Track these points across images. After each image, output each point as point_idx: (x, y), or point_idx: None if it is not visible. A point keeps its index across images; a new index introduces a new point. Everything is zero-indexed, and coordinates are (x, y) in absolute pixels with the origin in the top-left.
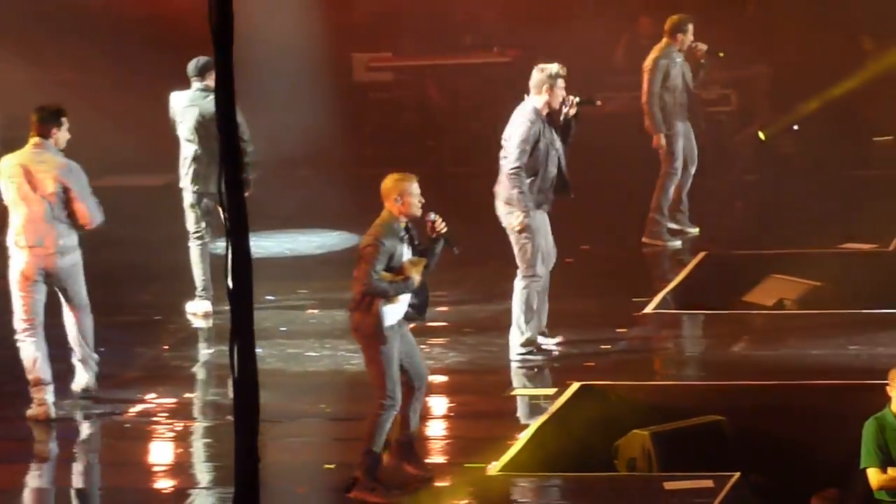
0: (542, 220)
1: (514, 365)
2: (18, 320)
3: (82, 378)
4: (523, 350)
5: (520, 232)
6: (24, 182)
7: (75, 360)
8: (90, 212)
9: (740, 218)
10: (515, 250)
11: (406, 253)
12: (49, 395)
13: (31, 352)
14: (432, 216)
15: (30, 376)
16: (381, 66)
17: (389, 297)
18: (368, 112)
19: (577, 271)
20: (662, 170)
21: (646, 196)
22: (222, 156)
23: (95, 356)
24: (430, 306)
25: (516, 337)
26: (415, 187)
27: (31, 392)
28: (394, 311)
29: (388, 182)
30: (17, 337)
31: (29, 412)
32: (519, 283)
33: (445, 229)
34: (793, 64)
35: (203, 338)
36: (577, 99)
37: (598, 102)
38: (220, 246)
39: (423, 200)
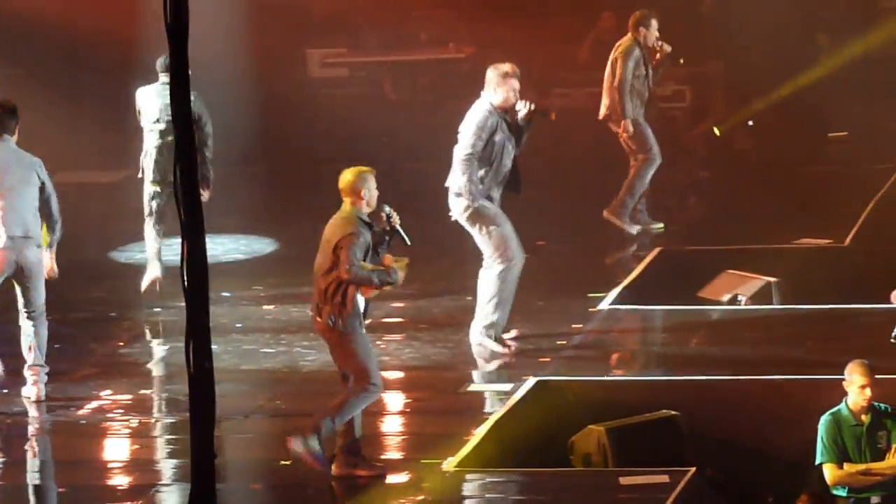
0: (491, 205)
1: (469, 361)
2: None
3: (32, 390)
4: (486, 333)
5: (472, 221)
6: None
7: (26, 370)
8: (56, 213)
9: (695, 214)
10: (480, 242)
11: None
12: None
13: None
14: (387, 209)
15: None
16: (335, 63)
17: (372, 286)
18: (323, 108)
19: (532, 266)
20: (640, 157)
21: (601, 192)
22: (178, 152)
23: (45, 366)
24: (385, 301)
25: (479, 319)
26: (373, 180)
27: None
28: (362, 303)
29: (351, 176)
30: None
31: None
32: (492, 271)
33: (399, 222)
34: (747, 60)
35: (158, 334)
36: (533, 106)
37: (553, 116)
38: (176, 243)
39: (379, 193)
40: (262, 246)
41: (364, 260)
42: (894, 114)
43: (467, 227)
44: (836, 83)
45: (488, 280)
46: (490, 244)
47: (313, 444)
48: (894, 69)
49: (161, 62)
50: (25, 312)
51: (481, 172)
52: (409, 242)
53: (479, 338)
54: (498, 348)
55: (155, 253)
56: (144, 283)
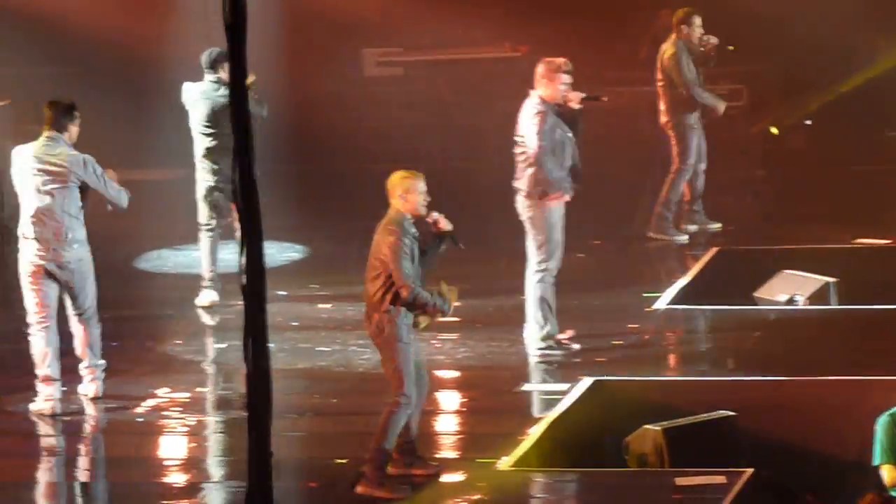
0: (560, 212)
1: (524, 360)
2: (31, 313)
3: (89, 387)
4: (543, 345)
5: (533, 223)
6: (36, 174)
7: (82, 369)
8: (113, 196)
9: (752, 213)
10: (531, 244)
11: (416, 252)
12: (56, 391)
13: (41, 346)
14: (435, 215)
15: (38, 372)
16: (390, 61)
17: (425, 309)
18: (377, 107)
19: (589, 266)
20: (675, 165)
21: (657, 190)
22: (236, 151)
23: (102, 363)
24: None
25: (534, 332)
26: (421, 185)
27: (38, 387)
28: (407, 312)
29: (394, 178)
30: (28, 330)
31: (34, 406)
32: (531, 279)
33: (450, 227)
34: (805, 58)
35: (214, 332)
36: (583, 95)
37: (604, 98)
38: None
39: (430, 199)
40: (320, 244)
41: (412, 264)
42: None
43: (527, 227)
44: (893, 81)
45: (530, 286)
46: (537, 251)
47: (381, 481)
48: None
49: (206, 57)
50: (75, 315)
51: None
52: (462, 246)
53: (538, 351)
54: (558, 353)
55: (211, 278)
56: (200, 303)
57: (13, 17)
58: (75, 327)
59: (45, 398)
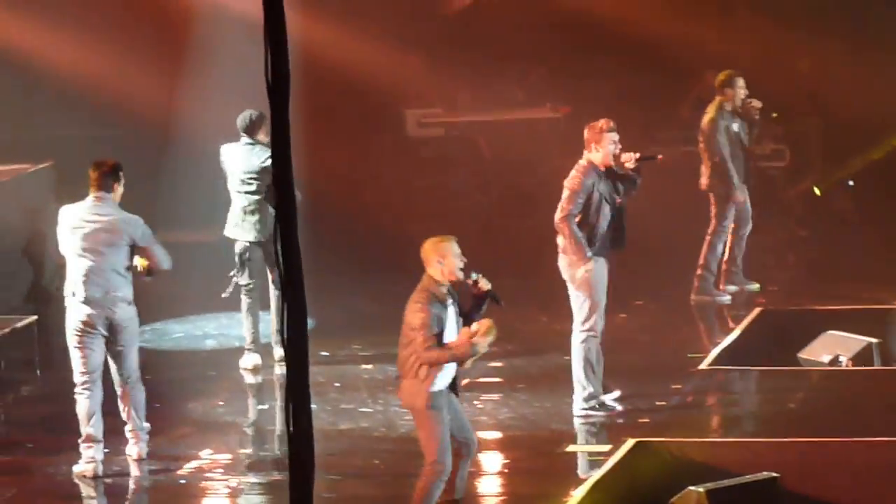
0: (602, 272)
1: (567, 421)
2: (77, 374)
3: (133, 450)
4: (586, 405)
5: (577, 283)
6: (86, 233)
7: (127, 432)
8: (159, 257)
9: (795, 273)
10: (574, 304)
11: (451, 315)
12: (99, 452)
13: (86, 407)
14: (474, 276)
15: (82, 430)
16: (432, 122)
17: (453, 361)
18: (419, 167)
19: (632, 326)
20: (712, 227)
21: (699, 251)
22: (278, 212)
23: (147, 426)
24: (483, 362)
25: (579, 392)
26: (455, 248)
27: (81, 448)
28: (442, 377)
29: (428, 246)
30: (75, 391)
31: (76, 468)
32: (576, 339)
33: (489, 286)
34: (846, 119)
35: (256, 392)
36: (638, 154)
37: (660, 157)
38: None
39: (465, 260)
40: (361, 303)
41: (444, 328)
42: None
43: (572, 290)
44: None
45: (575, 347)
46: (582, 312)
47: None
48: None
49: (242, 121)
50: (120, 380)
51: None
52: (501, 303)
53: (582, 412)
54: (602, 415)
55: (252, 340)
56: (244, 365)
57: (58, 81)
58: (120, 391)
59: (87, 460)
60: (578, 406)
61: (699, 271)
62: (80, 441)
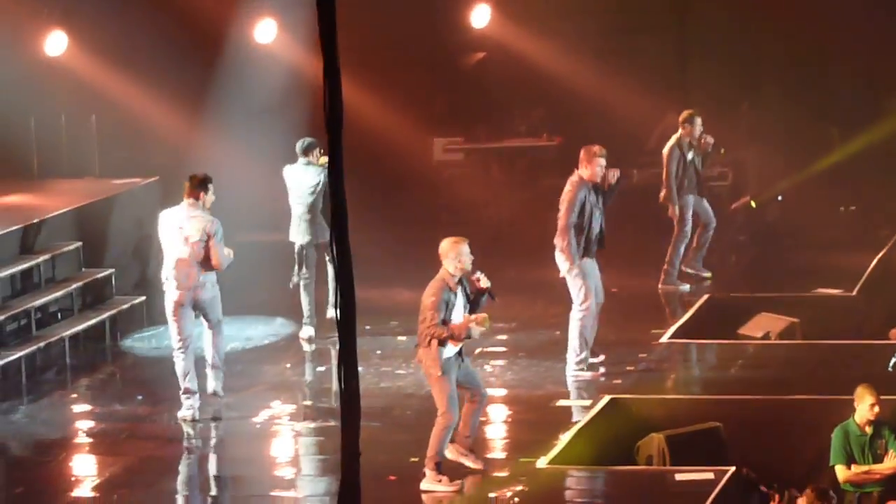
0: (591, 266)
1: (558, 382)
2: (174, 340)
3: (212, 383)
4: (576, 368)
5: (571, 276)
6: (177, 231)
7: (208, 368)
8: (221, 258)
9: (736, 269)
10: (571, 290)
11: (460, 300)
12: (196, 401)
13: (183, 366)
14: (478, 274)
15: (181, 385)
16: (454, 149)
17: (451, 340)
18: (444, 185)
19: (609, 308)
20: (675, 231)
21: (663, 251)
22: (333, 219)
23: (223, 368)
24: (492, 335)
25: (572, 358)
26: (466, 248)
27: (182, 398)
28: (450, 348)
29: (446, 244)
30: (173, 354)
31: (179, 413)
32: (574, 316)
33: (489, 285)
34: (777, 148)
35: (316, 358)
36: (618, 172)
37: (635, 172)
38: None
39: (473, 258)
40: (397, 290)
41: (450, 314)
42: (893, 190)
43: (567, 279)
44: (846, 166)
45: (573, 323)
46: (578, 295)
47: (438, 479)
48: (893, 155)
49: (300, 146)
50: (207, 325)
51: (577, 237)
52: (495, 299)
53: (573, 373)
54: (589, 376)
55: (309, 316)
56: (302, 336)
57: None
58: (206, 335)
59: (187, 407)
60: (571, 369)
61: (665, 266)
62: (180, 393)
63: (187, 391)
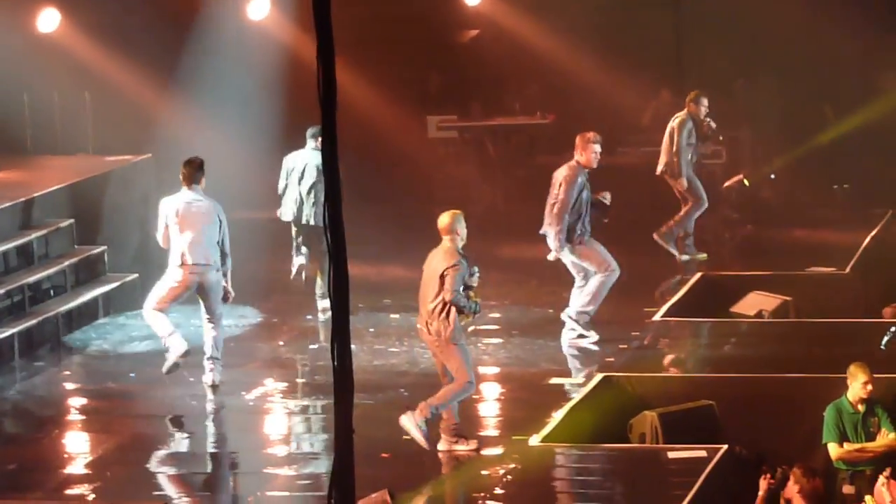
0: (592, 244)
1: (550, 359)
2: (153, 300)
3: (209, 377)
4: (577, 316)
5: (565, 255)
6: (188, 215)
7: (206, 360)
8: (227, 239)
9: (729, 247)
10: (572, 268)
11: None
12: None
13: (161, 324)
14: (475, 269)
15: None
16: (448, 126)
17: (464, 313)
18: (438, 162)
19: None
20: (691, 201)
21: (653, 227)
22: (327, 196)
23: (220, 360)
24: (486, 313)
25: (575, 307)
26: (464, 220)
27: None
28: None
29: (447, 218)
30: (145, 314)
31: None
32: (597, 276)
33: (475, 284)
34: (770, 127)
35: (309, 335)
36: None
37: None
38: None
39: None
40: (391, 267)
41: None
42: (886, 169)
43: (566, 259)
44: (840, 145)
45: (595, 279)
46: (593, 262)
47: (420, 424)
48: (887, 134)
49: (310, 131)
50: (207, 318)
51: (572, 221)
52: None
53: (571, 318)
54: (584, 332)
55: (303, 252)
56: (294, 270)
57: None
58: (206, 327)
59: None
60: (571, 313)
61: (672, 223)
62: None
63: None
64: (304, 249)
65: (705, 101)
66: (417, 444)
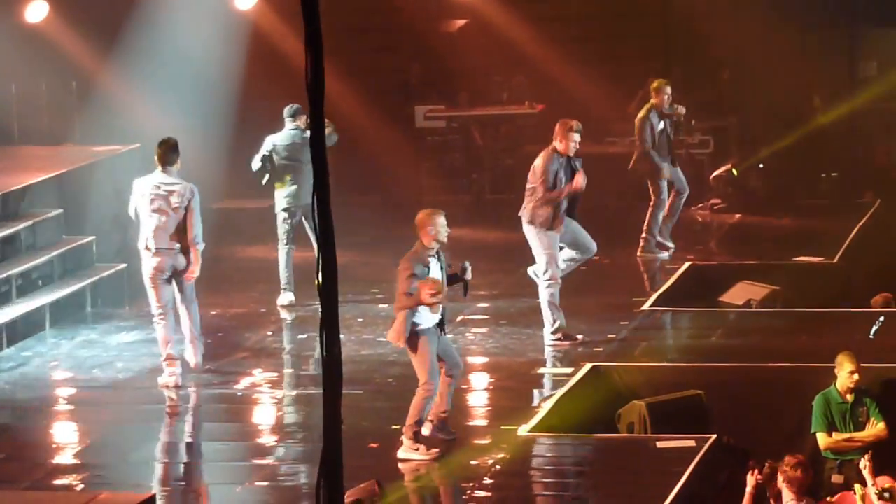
0: (569, 223)
1: (539, 349)
2: (153, 307)
3: (192, 357)
4: (553, 337)
5: (537, 242)
6: (157, 198)
7: (186, 342)
8: (197, 227)
9: (717, 236)
10: (539, 260)
11: (434, 271)
12: (178, 368)
13: (163, 333)
14: (466, 264)
15: (163, 352)
16: (436, 116)
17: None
18: (426, 151)
19: (590, 277)
20: (653, 201)
21: (642, 217)
22: (315, 182)
23: (202, 339)
24: (474, 303)
25: (548, 327)
26: (441, 220)
27: (163, 366)
28: (429, 317)
29: (423, 216)
30: (154, 321)
31: (160, 380)
32: (542, 286)
33: (469, 278)
34: (758, 116)
35: (297, 325)
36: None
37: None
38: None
39: (450, 231)
40: (379, 256)
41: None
42: (873, 159)
43: (533, 246)
44: (828, 134)
45: (541, 292)
46: (542, 263)
47: (416, 445)
48: (873, 124)
49: (288, 110)
50: (182, 299)
51: (548, 206)
52: (465, 295)
53: (550, 341)
54: (567, 344)
55: (287, 282)
56: (281, 303)
57: None
58: (181, 310)
59: (170, 374)
60: (548, 338)
61: (644, 234)
62: (162, 360)
63: (169, 358)
64: (291, 290)
65: (668, 90)
66: (405, 433)
